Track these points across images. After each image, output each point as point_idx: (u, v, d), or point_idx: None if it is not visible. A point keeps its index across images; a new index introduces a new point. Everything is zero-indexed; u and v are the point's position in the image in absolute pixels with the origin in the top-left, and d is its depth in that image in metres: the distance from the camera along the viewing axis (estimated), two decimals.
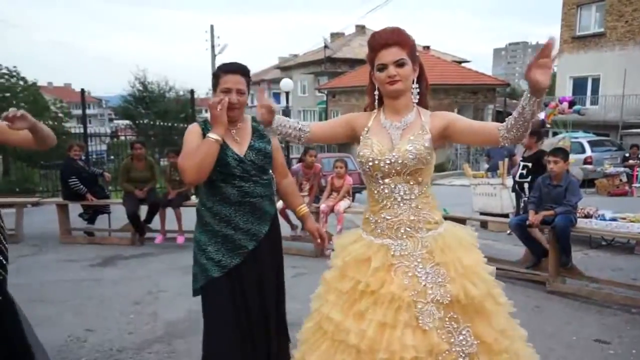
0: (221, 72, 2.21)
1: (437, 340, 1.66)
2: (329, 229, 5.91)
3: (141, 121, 25.61)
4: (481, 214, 7.26)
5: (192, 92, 15.11)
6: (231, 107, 2.16)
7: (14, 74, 31.89)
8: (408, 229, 1.79)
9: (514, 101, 26.77)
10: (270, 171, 2.41)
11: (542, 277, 4.64)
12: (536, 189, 4.81)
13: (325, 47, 30.58)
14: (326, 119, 29.14)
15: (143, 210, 6.50)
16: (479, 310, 1.73)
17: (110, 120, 48.42)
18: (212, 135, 2.10)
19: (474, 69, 28.17)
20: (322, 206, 6.11)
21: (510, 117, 1.65)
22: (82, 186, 6.42)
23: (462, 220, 4.70)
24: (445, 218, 1.94)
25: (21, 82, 31.96)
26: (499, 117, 22.99)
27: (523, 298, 4.20)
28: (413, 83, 1.83)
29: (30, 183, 17.75)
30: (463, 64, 30.31)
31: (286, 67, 37.87)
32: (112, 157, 28.04)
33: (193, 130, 2.25)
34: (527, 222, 4.63)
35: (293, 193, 2.53)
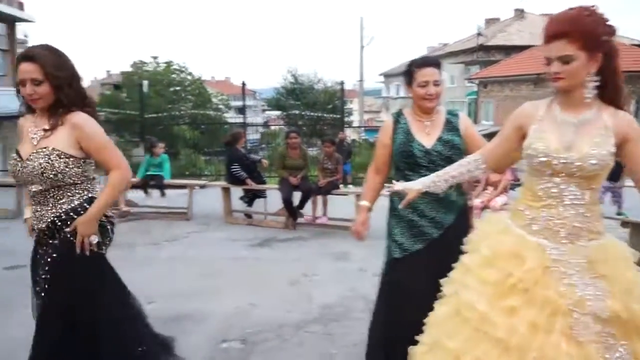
0: (415, 67, 2.38)
1: (594, 353, 1.54)
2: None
3: (291, 112, 27.04)
4: None
5: (342, 83, 15.48)
6: (429, 98, 2.34)
7: (183, 69, 35.66)
8: (569, 234, 1.65)
9: None
10: None
11: None
12: None
13: (479, 34, 29.13)
14: (476, 111, 27.80)
15: (296, 197, 6.85)
16: None
17: (263, 111, 51.82)
18: (362, 203, 2.53)
19: None
20: (476, 201, 5.83)
21: None
22: (242, 172, 6.95)
23: None
24: (625, 223, 1.74)
25: (189, 77, 35.63)
26: None
27: None
28: (591, 75, 1.62)
29: (197, 168, 19.79)
30: None
31: None
32: (263, 145, 30.04)
33: (384, 128, 2.48)
34: None
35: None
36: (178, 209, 7.34)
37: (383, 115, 39.95)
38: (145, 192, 7.40)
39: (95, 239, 2.08)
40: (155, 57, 34.72)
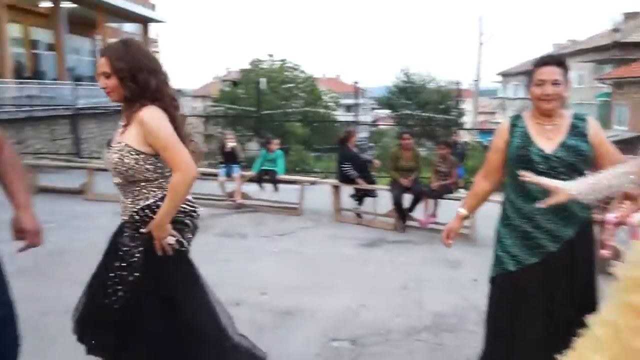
0: (535, 65, 2.20)
1: None
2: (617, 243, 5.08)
3: (402, 111, 26.73)
4: None
5: (457, 84, 14.95)
6: (545, 98, 2.13)
7: (297, 67, 36.74)
8: None
9: None
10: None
11: None
12: None
13: (615, 29, 26.51)
14: (608, 114, 25.40)
15: (406, 199, 6.71)
16: None
17: (372, 109, 51.75)
18: (459, 210, 2.43)
19: None
20: (610, 216, 5.27)
21: None
22: (353, 171, 6.95)
23: None
24: None
25: (301, 75, 36.65)
26: None
27: None
28: None
29: (306, 164, 20.31)
30: None
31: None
32: (371, 144, 29.99)
33: (500, 130, 2.32)
34: None
35: None
36: (290, 204, 7.55)
37: (498, 116, 37.97)
38: (260, 185, 7.71)
39: (172, 239, 2.02)
40: (271, 55, 36.21)
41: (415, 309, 3.86)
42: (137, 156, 1.98)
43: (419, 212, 6.82)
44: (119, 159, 1.99)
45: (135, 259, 2.04)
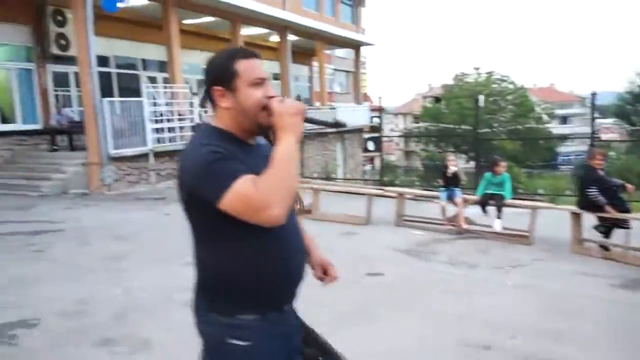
0: None
1: None
2: None
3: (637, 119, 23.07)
4: None
5: None
6: None
7: (505, 78, 34.73)
8: None
9: None
10: None
11: None
12: None
13: None
14: None
15: None
16: None
17: (593, 119, 45.93)
18: None
19: None
20: None
21: None
22: (601, 197, 6.05)
23: None
24: None
25: (510, 86, 34.47)
26: None
27: None
28: None
29: (518, 183, 18.79)
30: None
31: None
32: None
33: None
34: None
35: None
36: (518, 231, 6.94)
37: None
38: (484, 210, 7.26)
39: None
40: (477, 69, 34.91)
41: None
42: None
43: None
44: None
45: None
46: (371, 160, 29.76)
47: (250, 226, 1.36)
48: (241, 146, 1.48)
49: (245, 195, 1.32)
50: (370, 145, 23.67)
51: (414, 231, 7.43)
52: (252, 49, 1.53)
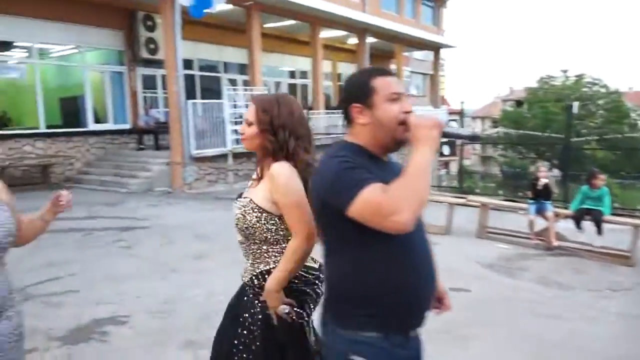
0: None
1: None
2: None
3: None
4: None
5: None
6: None
7: (597, 81, 32.49)
8: None
9: None
10: None
11: None
12: None
13: None
14: None
15: None
16: None
17: None
18: None
19: None
20: None
21: None
22: None
23: None
24: None
25: (603, 90, 32.16)
26: None
27: None
28: None
29: (613, 195, 17.39)
30: None
31: None
32: None
33: None
34: None
35: None
36: (618, 250, 6.35)
37: None
38: (578, 226, 6.72)
39: (285, 309, 1.79)
40: (565, 71, 32.92)
41: None
42: (259, 214, 1.83)
43: None
44: (242, 215, 1.87)
45: (256, 327, 1.88)
46: (446, 164, 28.94)
47: (377, 233, 1.35)
48: (374, 160, 1.51)
49: (374, 201, 1.33)
50: (445, 150, 22.93)
51: (497, 244, 7.02)
52: (387, 68, 1.60)
